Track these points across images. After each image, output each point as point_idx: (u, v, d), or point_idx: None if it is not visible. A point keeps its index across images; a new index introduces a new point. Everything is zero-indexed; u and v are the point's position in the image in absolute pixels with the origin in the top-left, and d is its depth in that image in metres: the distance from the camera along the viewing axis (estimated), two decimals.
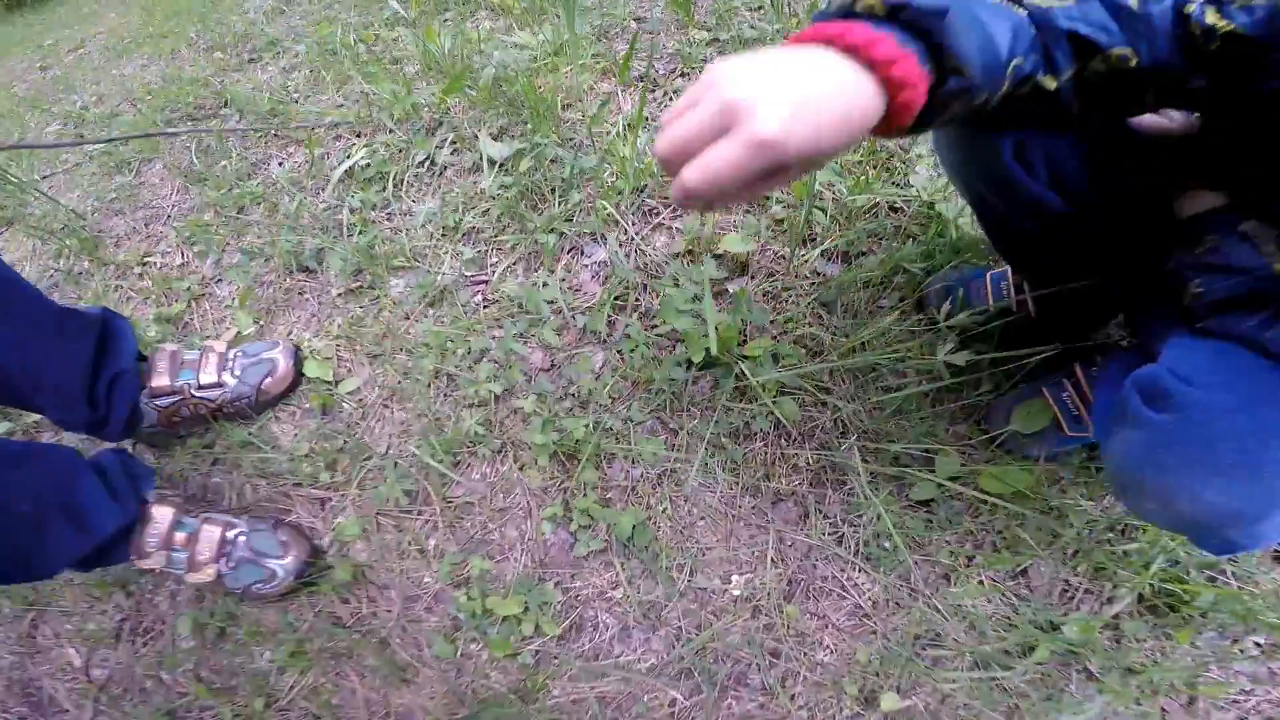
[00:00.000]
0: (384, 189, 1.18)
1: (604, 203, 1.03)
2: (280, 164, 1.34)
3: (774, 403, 0.92)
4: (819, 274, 1.01)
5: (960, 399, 0.91)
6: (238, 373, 1.01)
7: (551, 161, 1.10)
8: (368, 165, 1.20)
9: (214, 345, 1.03)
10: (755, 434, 0.93)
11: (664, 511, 0.91)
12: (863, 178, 1.06)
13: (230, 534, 0.89)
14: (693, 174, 0.38)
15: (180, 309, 1.17)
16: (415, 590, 0.90)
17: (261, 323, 1.12)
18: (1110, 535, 0.82)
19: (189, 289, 1.19)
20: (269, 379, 1.01)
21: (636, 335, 0.94)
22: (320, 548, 0.93)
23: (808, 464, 0.92)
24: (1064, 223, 0.62)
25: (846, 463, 0.90)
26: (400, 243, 1.10)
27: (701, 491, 0.91)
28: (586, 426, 0.89)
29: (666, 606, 0.86)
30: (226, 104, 1.51)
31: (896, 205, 1.06)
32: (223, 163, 1.35)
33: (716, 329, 0.94)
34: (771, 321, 0.99)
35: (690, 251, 1.04)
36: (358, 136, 1.30)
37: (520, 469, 0.92)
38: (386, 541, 0.91)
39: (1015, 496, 0.83)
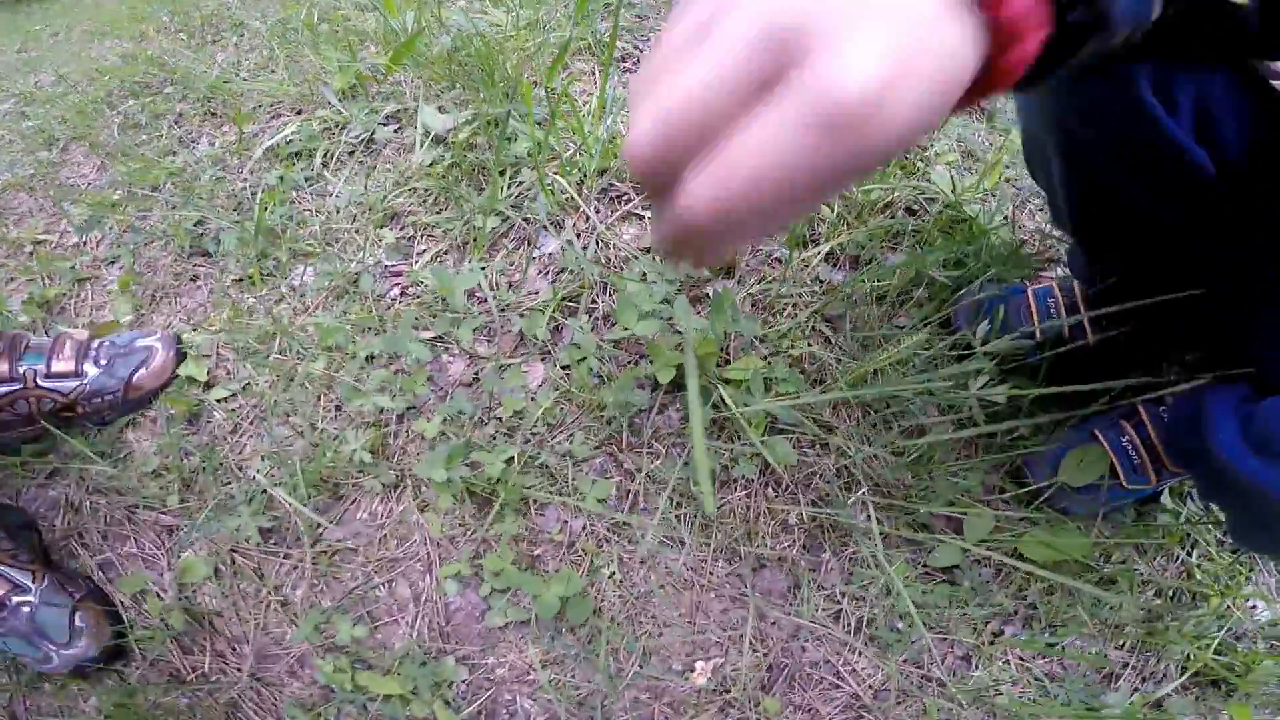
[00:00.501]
0: (310, 166, 1.00)
1: (562, 180, 0.85)
2: (212, 143, 1.18)
3: (763, 442, 0.72)
4: (822, 281, 0.82)
5: (994, 444, 0.71)
6: (103, 363, 0.81)
7: (505, 138, 0.92)
8: (294, 139, 1.03)
9: (72, 332, 0.84)
10: (736, 481, 0.74)
11: (611, 576, 0.69)
12: None
13: (14, 599, 0.68)
14: (712, 186, 0.19)
15: (59, 291, 0.98)
16: (275, 649, 0.68)
17: (143, 311, 0.92)
18: (1159, 603, 0.72)
19: (73, 269, 1.00)
20: (142, 371, 0.81)
21: (585, 343, 0.74)
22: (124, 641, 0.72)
23: (801, 522, 0.72)
24: (1198, 197, 0.43)
25: (852, 522, 0.70)
26: (314, 224, 0.92)
27: (662, 553, 0.70)
28: (508, 461, 0.68)
29: (610, 696, 0.65)
30: (173, 82, 1.37)
31: (914, 207, 0.88)
32: (142, 137, 1.19)
33: (693, 346, 0.74)
34: (762, 338, 0.79)
35: None
36: (297, 114, 1.14)
37: (421, 510, 0.70)
38: (242, 587, 0.69)
39: (1059, 565, 0.67)
